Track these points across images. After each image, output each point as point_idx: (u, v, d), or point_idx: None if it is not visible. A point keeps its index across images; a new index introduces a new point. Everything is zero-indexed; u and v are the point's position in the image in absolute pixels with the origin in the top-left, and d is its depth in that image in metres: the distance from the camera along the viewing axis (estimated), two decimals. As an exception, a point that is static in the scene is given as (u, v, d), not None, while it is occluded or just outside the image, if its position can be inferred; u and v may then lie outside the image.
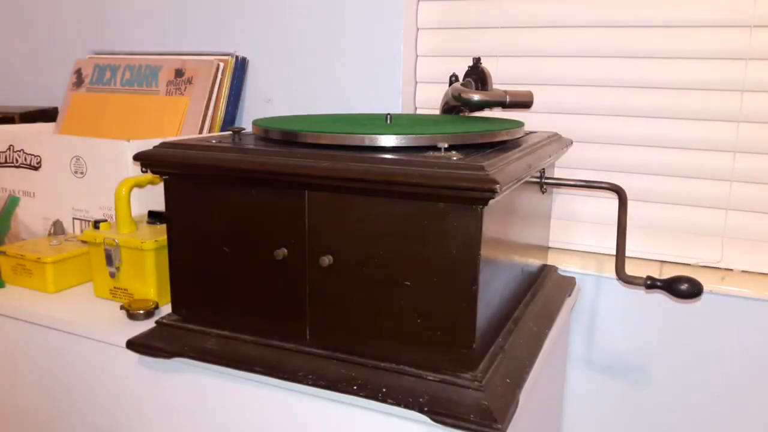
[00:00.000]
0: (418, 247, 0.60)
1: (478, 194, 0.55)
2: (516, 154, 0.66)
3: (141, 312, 0.78)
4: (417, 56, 1.11)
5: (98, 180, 0.93)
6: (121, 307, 0.79)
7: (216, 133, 1.10)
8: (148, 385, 0.75)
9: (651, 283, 0.79)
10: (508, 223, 0.68)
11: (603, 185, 0.81)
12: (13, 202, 1.01)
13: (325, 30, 1.11)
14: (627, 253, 0.96)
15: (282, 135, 0.70)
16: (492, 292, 0.64)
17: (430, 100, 1.10)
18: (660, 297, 0.97)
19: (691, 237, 0.99)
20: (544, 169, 0.81)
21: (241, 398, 0.70)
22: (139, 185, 0.87)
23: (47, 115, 1.30)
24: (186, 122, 1.11)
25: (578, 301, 1.02)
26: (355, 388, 0.61)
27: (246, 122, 1.21)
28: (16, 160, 1.02)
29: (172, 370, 0.73)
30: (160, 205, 0.86)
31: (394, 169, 0.58)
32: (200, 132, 1.10)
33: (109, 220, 0.89)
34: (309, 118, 0.83)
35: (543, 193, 0.84)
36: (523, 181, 0.64)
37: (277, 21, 1.15)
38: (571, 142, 0.92)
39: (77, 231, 0.98)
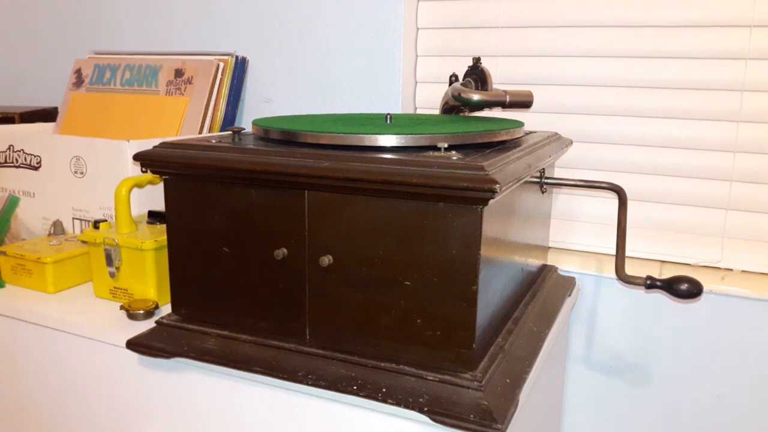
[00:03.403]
0: (418, 247, 0.60)
1: (478, 194, 0.55)
2: (516, 154, 0.66)
3: (141, 312, 0.78)
4: (417, 56, 1.11)
5: (98, 180, 0.93)
6: (121, 307, 0.79)
7: (216, 133, 1.10)
8: (148, 385, 0.75)
9: (651, 283, 0.79)
10: (508, 223, 0.68)
11: (603, 185, 0.81)
12: (13, 202, 1.01)
13: (325, 30, 1.11)
14: (627, 253, 0.96)
15: (282, 135, 0.70)
16: (492, 292, 0.64)
17: (430, 100, 1.10)
18: (660, 297, 0.97)
19: (691, 237, 0.99)
20: (544, 169, 0.81)
21: (241, 398, 0.70)
22: (139, 185, 0.87)
23: (47, 115, 1.30)
24: (186, 122, 1.11)
25: (578, 301, 1.02)
26: (355, 388, 0.61)
27: (246, 122, 1.21)
28: (16, 160, 1.02)
29: (172, 370, 0.73)
30: (160, 205, 0.86)
31: (394, 169, 0.58)
32: (200, 132, 1.10)
33: (109, 220, 0.89)
34: (309, 118, 0.83)
35: (543, 193, 0.84)
36: (523, 181, 0.64)
37: (277, 21, 1.15)
38: (571, 142, 0.92)
39: (77, 231, 0.98)
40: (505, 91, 0.84)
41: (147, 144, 0.88)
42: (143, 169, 0.71)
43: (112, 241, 0.81)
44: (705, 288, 0.89)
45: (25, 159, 1.01)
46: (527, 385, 0.64)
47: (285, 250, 0.65)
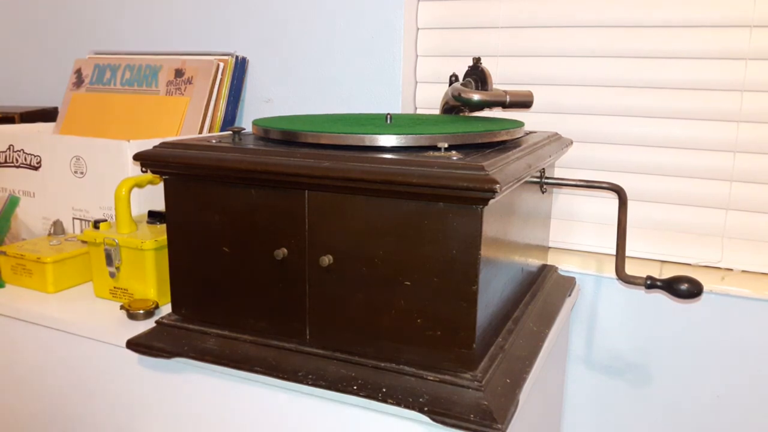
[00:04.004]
0: (418, 247, 0.60)
1: (478, 194, 0.55)
2: (516, 154, 0.66)
3: (141, 312, 0.78)
4: (417, 56, 1.11)
5: (98, 180, 0.93)
6: (121, 307, 0.79)
7: (216, 133, 1.10)
8: (148, 385, 0.75)
9: (651, 283, 0.79)
10: (508, 223, 0.68)
11: (603, 185, 0.81)
12: (13, 202, 1.01)
13: (325, 30, 1.11)
14: (627, 253, 0.96)
15: (282, 135, 0.70)
16: (492, 292, 0.64)
17: (430, 100, 1.10)
18: (660, 297, 0.97)
19: (691, 237, 0.99)
20: (544, 169, 0.81)
21: (241, 398, 0.70)
22: (139, 185, 0.87)
23: (47, 115, 1.30)
24: (186, 122, 1.11)
25: (578, 301, 1.02)
26: (355, 388, 0.61)
27: (246, 122, 1.21)
28: (16, 160, 1.02)
29: (172, 370, 0.73)
30: (160, 205, 0.86)
31: (394, 169, 0.58)
32: (200, 132, 1.10)
33: (109, 220, 0.89)
34: (309, 118, 0.83)
35: (543, 193, 0.84)
36: (523, 181, 0.64)
37: (277, 21, 1.15)
38: (571, 142, 0.92)
39: (77, 231, 0.98)
40: (505, 91, 0.84)
41: (147, 144, 0.88)
42: (143, 169, 0.71)
43: (112, 241, 0.81)
44: (705, 288, 0.89)
45: (25, 159, 1.01)
46: (527, 385, 0.64)
47: (285, 250, 0.65)
